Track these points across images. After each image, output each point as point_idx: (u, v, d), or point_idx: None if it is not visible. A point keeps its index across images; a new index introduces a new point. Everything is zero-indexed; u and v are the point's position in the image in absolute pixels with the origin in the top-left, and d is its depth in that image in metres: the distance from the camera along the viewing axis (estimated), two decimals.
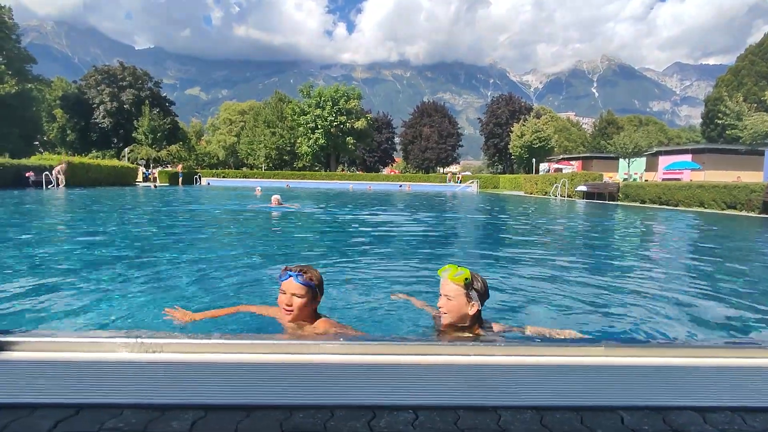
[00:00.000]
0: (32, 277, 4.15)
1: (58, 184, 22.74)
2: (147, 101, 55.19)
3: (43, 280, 4.04)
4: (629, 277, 4.99)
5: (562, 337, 2.63)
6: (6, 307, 3.28)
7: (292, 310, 2.32)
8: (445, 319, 2.45)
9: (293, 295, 2.32)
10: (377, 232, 9.00)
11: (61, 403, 0.86)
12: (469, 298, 2.42)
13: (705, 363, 1.21)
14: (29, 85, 46.91)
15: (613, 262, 6.07)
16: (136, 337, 1.10)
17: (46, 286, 3.87)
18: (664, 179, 32.20)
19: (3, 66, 42.33)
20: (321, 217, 11.79)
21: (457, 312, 2.42)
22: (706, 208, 18.21)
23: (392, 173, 68.17)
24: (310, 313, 2.41)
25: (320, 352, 1.15)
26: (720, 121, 43.68)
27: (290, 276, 2.34)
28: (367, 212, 13.67)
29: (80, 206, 13.05)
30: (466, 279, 2.42)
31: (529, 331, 2.70)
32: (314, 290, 2.41)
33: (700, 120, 62.01)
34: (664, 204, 20.45)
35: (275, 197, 12.38)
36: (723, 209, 17.51)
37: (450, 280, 2.43)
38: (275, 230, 8.95)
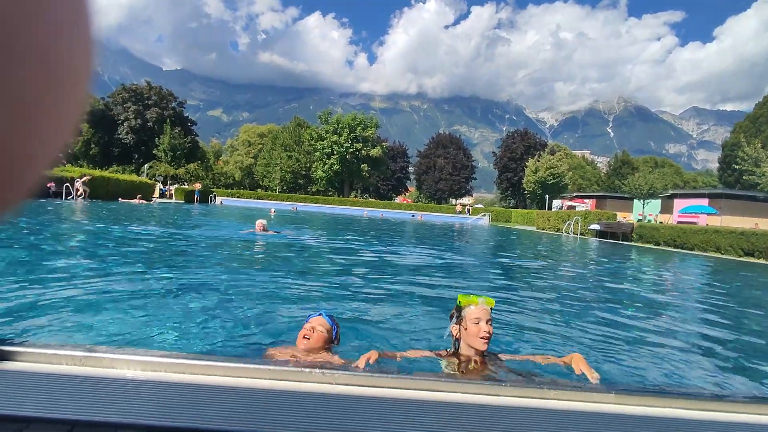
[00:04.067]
0: (30, 288, 4.19)
1: (80, 196, 23.35)
2: (169, 120, 56.81)
3: (39, 292, 4.08)
4: (645, 322, 4.85)
5: (564, 363, 2.70)
6: (6, 317, 3.31)
7: (309, 339, 2.52)
8: (486, 345, 2.48)
9: (315, 327, 2.57)
10: (374, 265, 8.95)
11: (55, 419, 0.84)
12: None
13: (724, 418, 1.14)
14: None
15: (628, 306, 5.92)
16: (136, 354, 1.10)
17: (42, 297, 3.90)
18: (679, 222, 31.73)
19: None
20: (311, 245, 10.60)
21: None
22: (722, 253, 17.82)
23: (405, 202, 68.36)
24: (325, 349, 2.59)
25: (323, 381, 1.13)
26: (737, 167, 43.26)
27: (320, 314, 2.70)
28: (374, 246, 13.54)
29: (83, 218, 13.28)
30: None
31: (533, 359, 2.73)
32: (334, 330, 2.70)
33: (717, 164, 61.54)
34: (678, 247, 20.09)
35: (260, 222, 11.05)
36: (740, 256, 17.11)
37: (488, 305, 2.54)
38: (249, 259, 7.82)
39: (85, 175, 24.36)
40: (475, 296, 2.57)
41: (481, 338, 2.44)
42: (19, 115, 0.20)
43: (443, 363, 2.58)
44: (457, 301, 2.62)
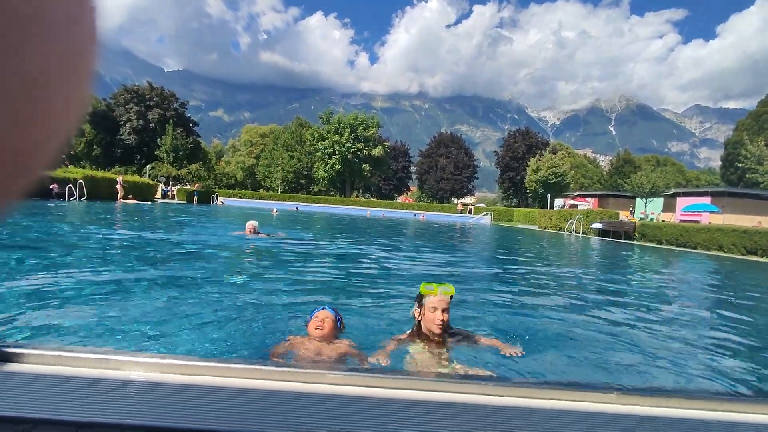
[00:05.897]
0: (37, 289, 4.22)
1: (120, 196, 26.80)
2: (171, 121, 56.91)
3: (44, 293, 4.11)
4: (648, 321, 4.85)
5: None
6: (11, 318, 3.34)
7: (323, 328, 2.83)
8: (440, 330, 2.82)
9: (324, 319, 2.89)
10: (374, 268, 8.95)
11: (61, 420, 0.84)
12: None
13: (731, 418, 1.14)
14: None
15: (632, 305, 5.91)
16: (143, 357, 1.10)
17: (49, 298, 3.93)
18: (681, 221, 31.63)
19: None
20: (302, 247, 9.92)
21: None
22: (725, 252, 17.79)
23: (407, 201, 68.34)
24: (334, 336, 2.92)
25: (329, 382, 1.13)
26: (740, 165, 43.16)
27: (324, 307, 3.01)
28: (375, 247, 13.47)
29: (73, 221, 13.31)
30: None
31: (482, 341, 3.09)
32: (339, 320, 3.01)
33: (720, 163, 61.36)
34: (681, 246, 20.05)
35: (251, 224, 10.27)
36: (743, 254, 17.08)
37: (446, 294, 2.85)
38: (236, 263, 7.15)
39: (120, 175, 26.34)
40: (437, 285, 2.87)
41: (436, 324, 2.80)
42: (20, 114, 0.21)
43: (410, 346, 2.89)
44: (420, 289, 2.94)
